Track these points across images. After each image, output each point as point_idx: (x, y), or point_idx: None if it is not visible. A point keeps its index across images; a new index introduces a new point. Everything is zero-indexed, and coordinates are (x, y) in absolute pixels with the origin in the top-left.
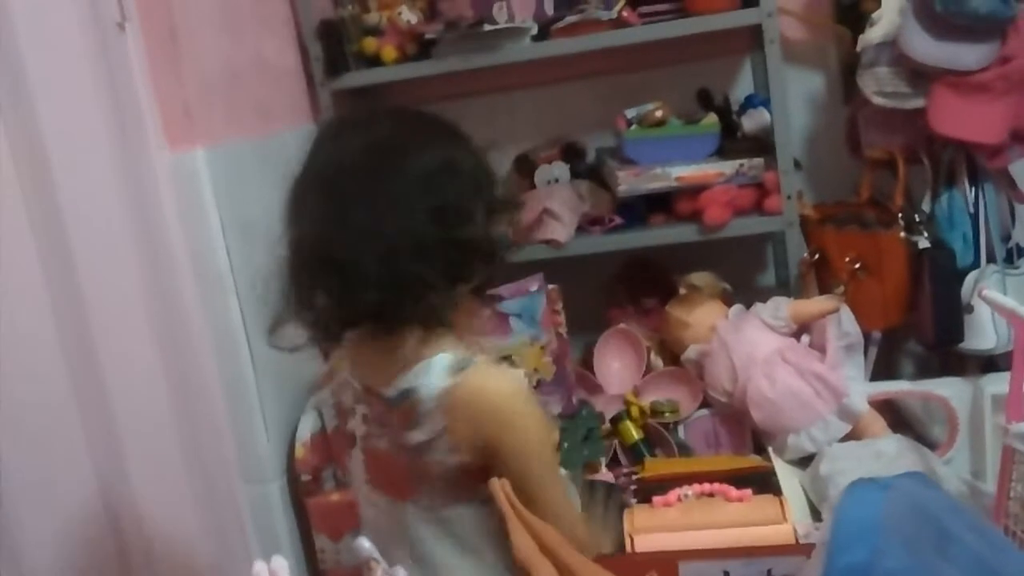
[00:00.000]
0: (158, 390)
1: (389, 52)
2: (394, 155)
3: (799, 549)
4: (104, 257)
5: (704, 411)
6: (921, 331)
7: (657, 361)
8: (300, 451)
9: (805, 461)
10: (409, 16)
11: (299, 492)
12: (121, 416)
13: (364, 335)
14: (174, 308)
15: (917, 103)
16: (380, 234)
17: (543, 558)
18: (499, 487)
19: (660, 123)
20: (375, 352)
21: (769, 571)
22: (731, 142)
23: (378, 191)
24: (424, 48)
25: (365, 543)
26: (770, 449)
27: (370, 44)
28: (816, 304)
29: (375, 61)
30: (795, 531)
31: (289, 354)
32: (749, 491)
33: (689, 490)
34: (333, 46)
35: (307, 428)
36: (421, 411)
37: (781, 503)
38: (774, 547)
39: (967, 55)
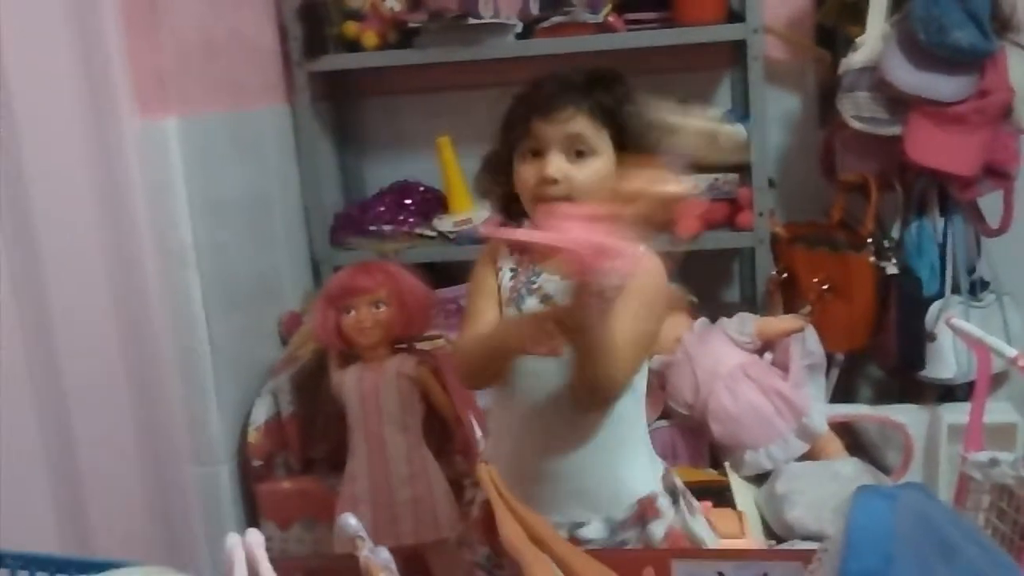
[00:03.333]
0: (112, 360)
1: (370, 38)
2: None
3: (797, 556)
4: (65, 219)
5: (663, 422)
6: (883, 356)
7: None
8: (253, 436)
9: (760, 478)
10: (393, 3)
11: (249, 477)
12: (72, 383)
13: None
14: (133, 279)
15: (894, 130)
16: None
17: (535, 548)
18: (486, 474)
19: None
20: None
21: (765, 574)
22: None
23: None
24: (405, 37)
25: (351, 520)
26: (727, 464)
27: (351, 28)
28: (782, 322)
29: (355, 46)
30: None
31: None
32: (709, 503)
33: None
34: (313, 27)
35: (262, 413)
36: None
37: (740, 517)
38: (772, 552)
39: (946, 86)
